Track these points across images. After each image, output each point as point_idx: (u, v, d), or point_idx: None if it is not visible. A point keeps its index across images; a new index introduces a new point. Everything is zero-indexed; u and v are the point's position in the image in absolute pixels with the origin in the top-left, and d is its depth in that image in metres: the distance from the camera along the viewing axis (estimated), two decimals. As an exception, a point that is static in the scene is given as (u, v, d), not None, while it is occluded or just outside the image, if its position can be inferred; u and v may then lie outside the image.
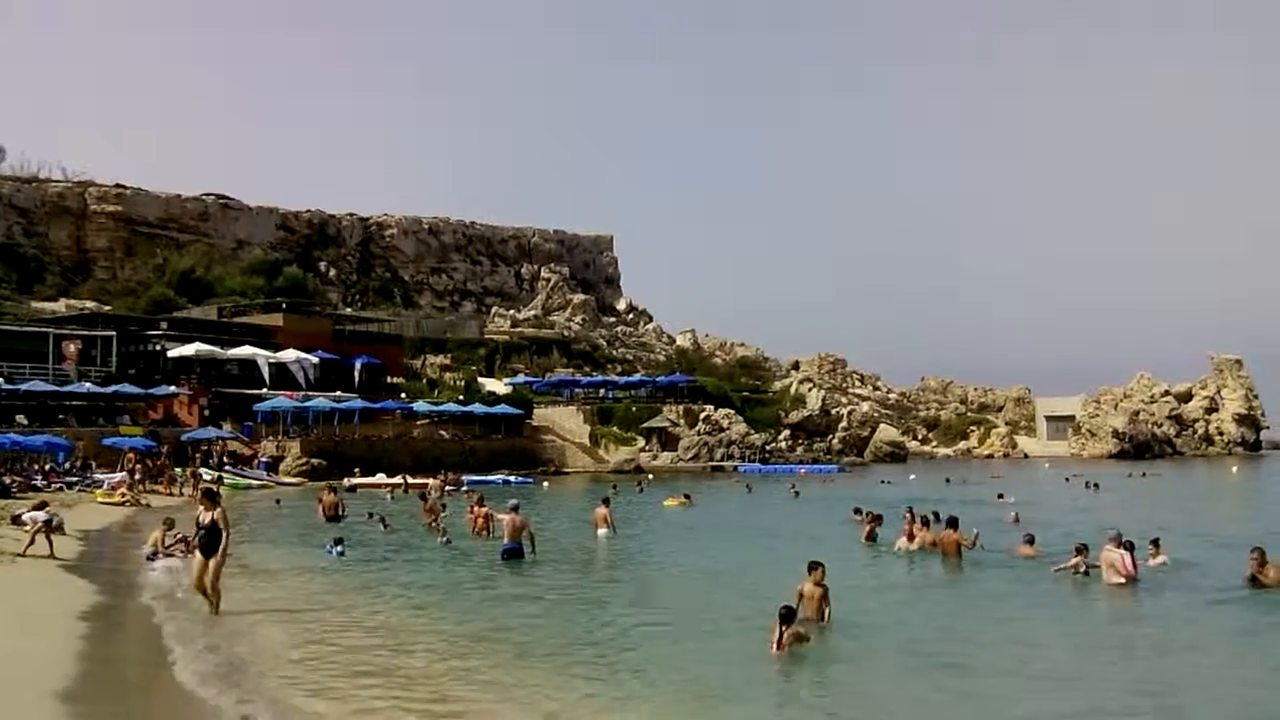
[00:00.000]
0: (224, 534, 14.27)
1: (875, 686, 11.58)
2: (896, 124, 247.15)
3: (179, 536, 22.51)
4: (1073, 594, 18.02)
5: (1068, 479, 56.27)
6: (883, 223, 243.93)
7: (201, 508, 14.54)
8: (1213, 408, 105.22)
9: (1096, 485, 48.69)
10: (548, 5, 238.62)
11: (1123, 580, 18.00)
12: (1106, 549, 18.64)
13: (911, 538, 23.18)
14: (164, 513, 29.64)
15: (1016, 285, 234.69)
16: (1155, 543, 20.38)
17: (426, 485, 46.68)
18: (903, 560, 22.29)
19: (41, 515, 21.95)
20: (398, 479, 48.66)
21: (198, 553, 14.51)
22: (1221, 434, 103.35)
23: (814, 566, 14.14)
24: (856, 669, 12.33)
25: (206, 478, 45.07)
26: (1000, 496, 40.96)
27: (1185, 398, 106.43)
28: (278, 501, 40.62)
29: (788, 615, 12.33)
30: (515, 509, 22.97)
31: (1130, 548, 18.75)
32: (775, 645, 12.14)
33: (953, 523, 22.85)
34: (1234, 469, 70.90)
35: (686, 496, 40.84)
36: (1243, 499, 48.90)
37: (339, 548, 22.77)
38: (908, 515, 24.39)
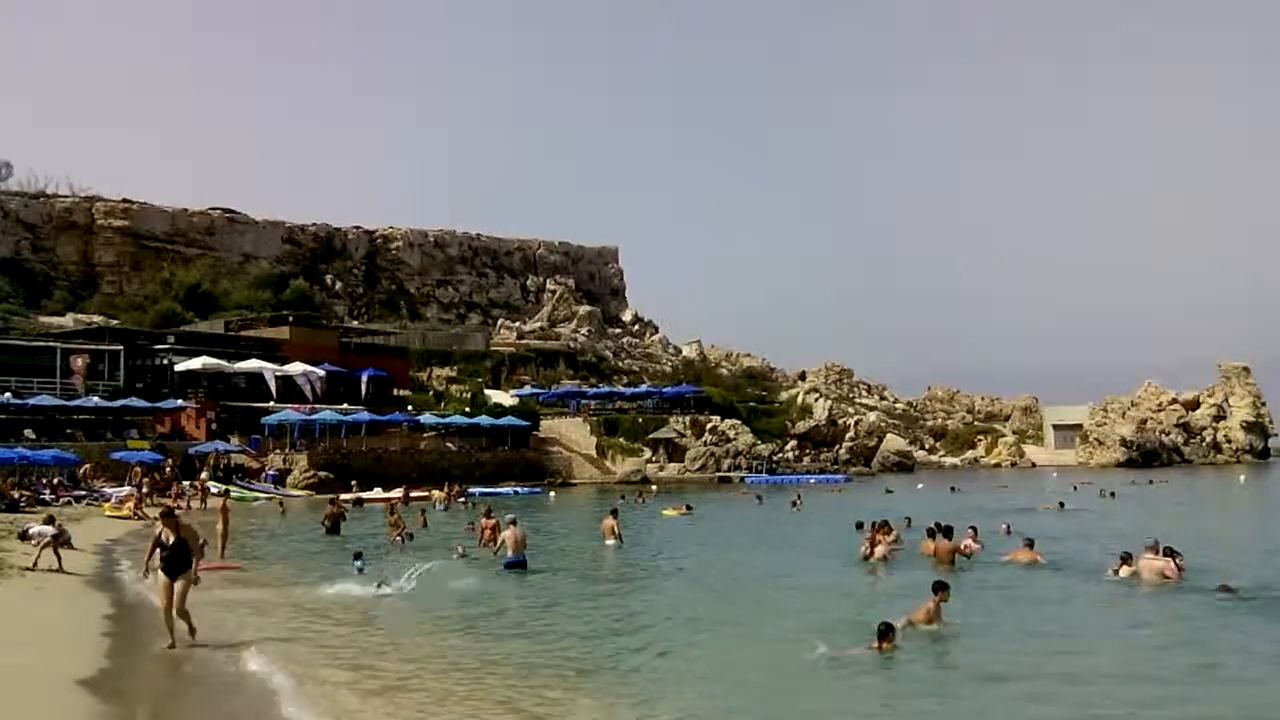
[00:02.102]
0: (192, 554, 13.39)
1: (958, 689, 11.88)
2: (896, 124, 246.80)
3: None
4: (1121, 599, 18.22)
5: (1075, 487, 56.08)
6: (884, 224, 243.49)
7: (164, 528, 13.35)
8: (1220, 415, 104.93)
9: (1113, 494, 48.31)
10: (549, 6, 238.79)
11: (1169, 582, 18.53)
12: (1147, 557, 19.30)
13: (874, 545, 23.26)
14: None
15: (1019, 290, 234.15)
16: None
17: (429, 497, 46.85)
18: (920, 570, 22.13)
19: (49, 530, 22.02)
20: (397, 492, 48.74)
21: (161, 574, 13.30)
22: (1229, 441, 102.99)
23: (940, 587, 14.89)
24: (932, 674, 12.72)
25: (214, 490, 45.20)
26: (1061, 505, 41.15)
27: (1193, 405, 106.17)
28: (282, 513, 40.68)
29: (886, 630, 13.18)
30: (514, 522, 22.97)
31: (1171, 554, 19.30)
32: (878, 646, 13.06)
33: (947, 532, 23.24)
34: (1242, 477, 70.65)
35: (688, 507, 40.73)
36: (1257, 507, 48.66)
37: (358, 562, 22.60)
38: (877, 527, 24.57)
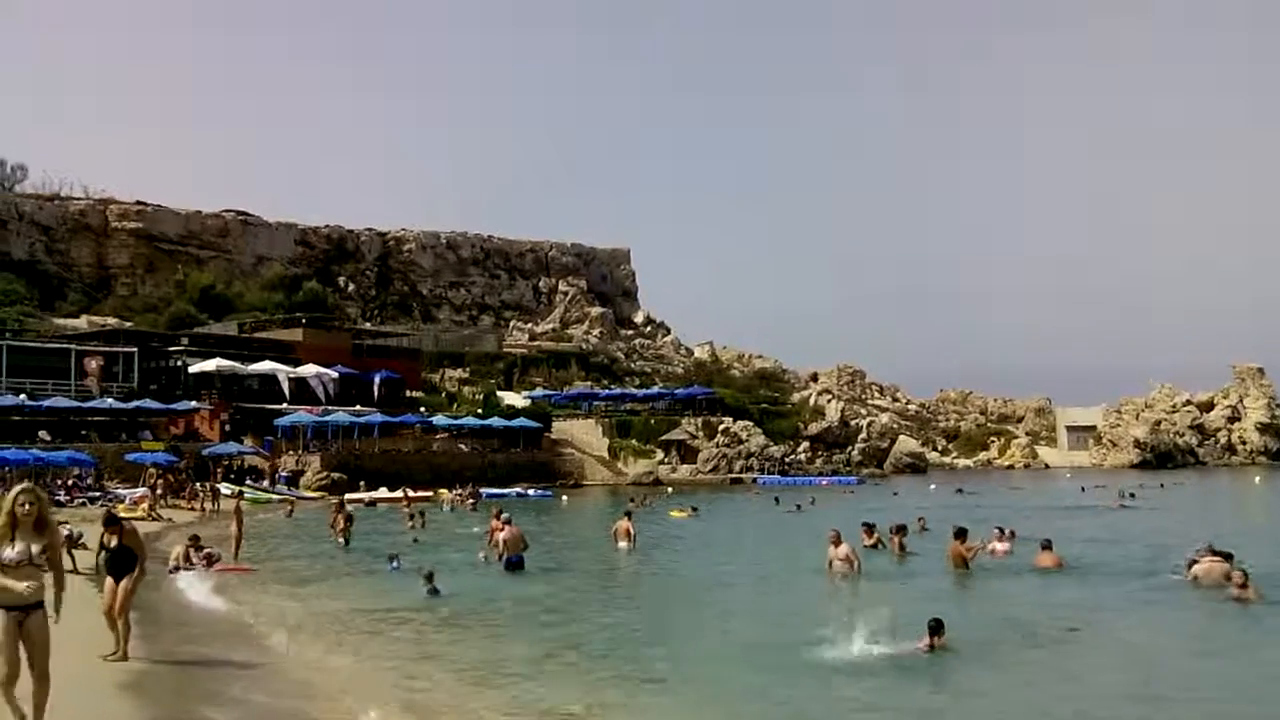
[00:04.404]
0: (138, 558, 12.78)
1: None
2: (896, 124, 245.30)
3: (205, 552, 22.70)
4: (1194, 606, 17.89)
5: (1083, 489, 55.77)
6: (885, 223, 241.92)
7: (106, 534, 12.97)
8: (1235, 417, 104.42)
9: (1132, 494, 47.95)
10: (549, 6, 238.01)
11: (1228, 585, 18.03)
12: (1210, 561, 18.59)
13: (839, 544, 21.45)
14: (186, 528, 29.88)
15: (1023, 291, 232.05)
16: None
17: (433, 498, 47.28)
18: (942, 575, 21.79)
19: (62, 530, 22.12)
20: (399, 493, 49.21)
21: (108, 578, 12.81)
22: (1244, 443, 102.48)
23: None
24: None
25: (226, 492, 45.31)
26: (1119, 507, 41.64)
27: (1207, 407, 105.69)
28: (289, 514, 40.77)
29: (938, 627, 13.21)
30: (509, 522, 23.05)
31: (1228, 557, 18.77)
32: (928, 646, 13.08)
33: (960, 534, 22.63)
34: (1257, 479, 70.22)
35: (694, 509, 40.61)
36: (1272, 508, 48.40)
37: (393, 564, 22.76)
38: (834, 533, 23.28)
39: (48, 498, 8.45)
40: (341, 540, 28.31)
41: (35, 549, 7.97)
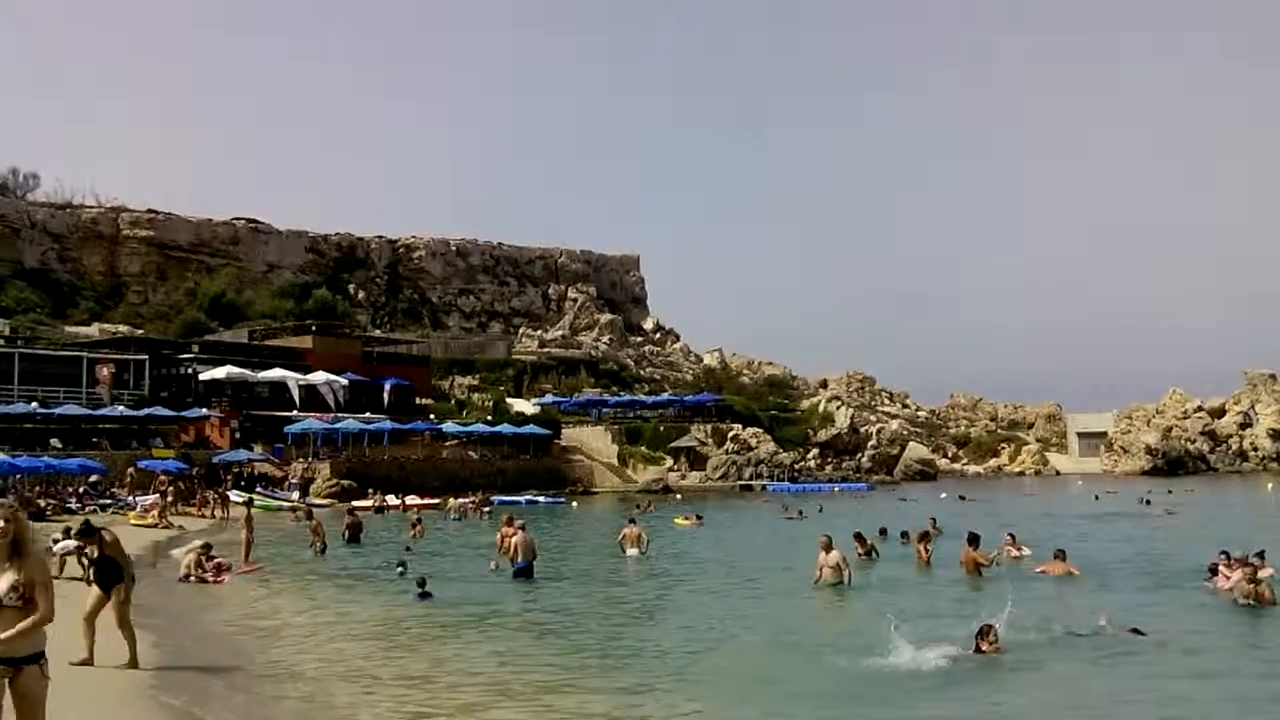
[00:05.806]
0: (123, 569, 12.58)
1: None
2: (896, 126, 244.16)
3: (215, 560, 22.78)
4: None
5: (1097, 497, 55.58)
6: (886, 227, 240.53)
7: (87, 544, 12.93)
8: (1246, 423, 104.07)
9: (1148, 501, 47.74)
10: (549, 6, 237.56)
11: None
12: (1246, 568, 18.25)
13: (829, 550, 20.76)
14: (197, 535, 30.00)
15: (1029, 293, 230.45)
16: (1261, 555, 19.72)
17: (438, 506, 47.49)
18: (959, 583, 21.54)
19: (72, 544, 22.19)
20: (397, 501, 49.53)
21: (95, 586, 12.55)
22: (1256, 449, 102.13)
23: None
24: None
25: (237, 499, 45.45)
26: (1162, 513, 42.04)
27: (1219, 413, 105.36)
28: (296, 519, 40.88)
29: (986, 631, 13.37)
30: (523, 528, 23.07)
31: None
32: (977, 649, 13.20)
33: (972, 540, 22.51)
34: (1269, 485, 69.90)
35: (698, 517, 40.39)
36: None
37: (399, 569, 23.00)
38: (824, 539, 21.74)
39: (26, 518, 6.82)
40: (319, 549, 28.44)
41: (3, 585, 6.27)
